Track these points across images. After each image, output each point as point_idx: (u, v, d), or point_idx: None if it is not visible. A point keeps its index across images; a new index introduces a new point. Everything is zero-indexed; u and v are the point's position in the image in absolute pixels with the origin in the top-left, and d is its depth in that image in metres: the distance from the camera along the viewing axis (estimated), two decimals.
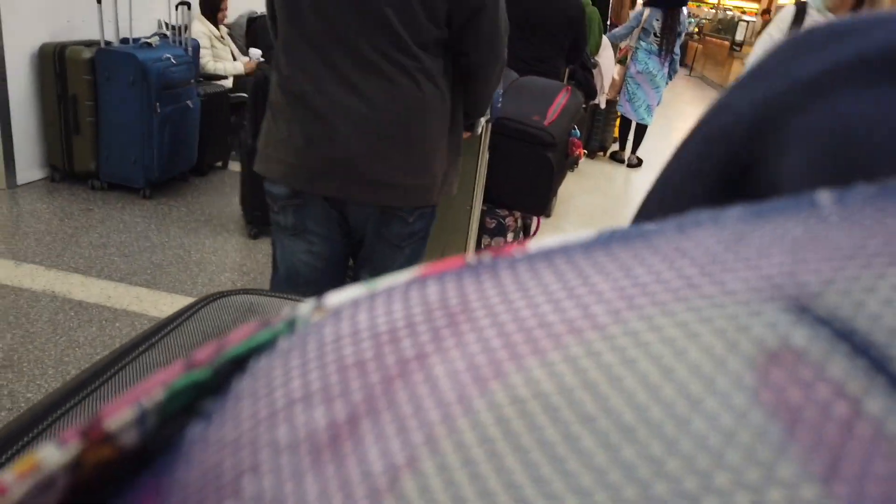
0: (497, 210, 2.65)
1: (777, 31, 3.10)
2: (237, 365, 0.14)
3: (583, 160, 5.42)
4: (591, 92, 3.99)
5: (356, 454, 0.10)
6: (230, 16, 4.73)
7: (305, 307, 0.15)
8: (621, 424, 0.09)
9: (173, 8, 4.06)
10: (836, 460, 0.08)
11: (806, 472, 0.08)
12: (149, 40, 3.67)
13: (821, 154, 0.19)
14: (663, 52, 5.28)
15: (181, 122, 3.78)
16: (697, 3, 23.68)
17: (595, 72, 4.16)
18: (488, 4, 1.44)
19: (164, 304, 2.66)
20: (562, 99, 2.43)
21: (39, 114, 3.72)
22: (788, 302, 0.10)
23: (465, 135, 1.77)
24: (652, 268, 0.12)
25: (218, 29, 4.51)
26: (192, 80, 3.86)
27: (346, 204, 1.60)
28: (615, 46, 5.13)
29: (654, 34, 5.25)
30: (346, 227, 1.66)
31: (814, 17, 2.99)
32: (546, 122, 2.26)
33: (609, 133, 5.88)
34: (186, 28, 4.10)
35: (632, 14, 5.53)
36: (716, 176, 0.22)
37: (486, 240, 2.68)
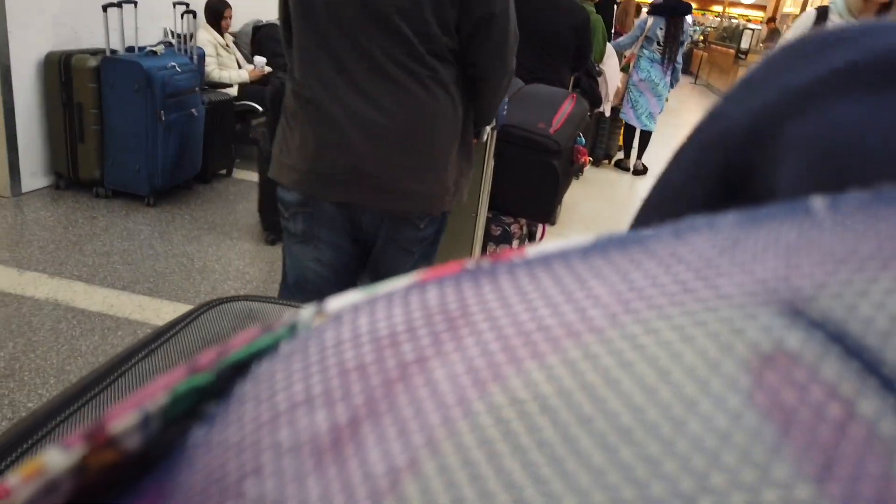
0: (502, 217, 2.64)
1: (796, 36, 3.04)
2: (239, 369, 0.14)
3: (588, 168, 5.41)
4: (595, 100, 3.99)
5: (358, 456, 0.10)
6: (236, 24, 4.74)
7: (307, 312, 0.15)
8: (619, 426, 0.09)
9: (179, 16, 4.08)
10: (830, 461, 0.08)
11: (800, 472, 0.08)
12: (154, 48, 3.68)
13: (815, 161, 0.19)
14: (666, 61, 5.28)
15: (186, 129, 3.78)
16: (703, 12, 23.72)
17: (600, 80, 4.16)
18: (497, 14, 1.43)
19: (166, 313, 2.64)
20: (567, 107, 2.43)
21: (44, 121, 3.73)
22: (782, 306, 0.10)
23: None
24: (648, 272, 0.12)
25: (223, 37, 4.53)
26: (197, 88, 3.87)
27: (359, 209, 1.59)
28: (620, 55, 5.13)
29: (658, 42, 5.25)
30: (356, 235, 1.66)
31: (835, 23, 2.94)
32: (551, 130, 2.26)
33: (614, 141, 5.87)
34: (192, 36, 4.11)
35: (636, 22, 5.54)
36: (715, 179, 0.22)
37: (491, 247, 2.68)
